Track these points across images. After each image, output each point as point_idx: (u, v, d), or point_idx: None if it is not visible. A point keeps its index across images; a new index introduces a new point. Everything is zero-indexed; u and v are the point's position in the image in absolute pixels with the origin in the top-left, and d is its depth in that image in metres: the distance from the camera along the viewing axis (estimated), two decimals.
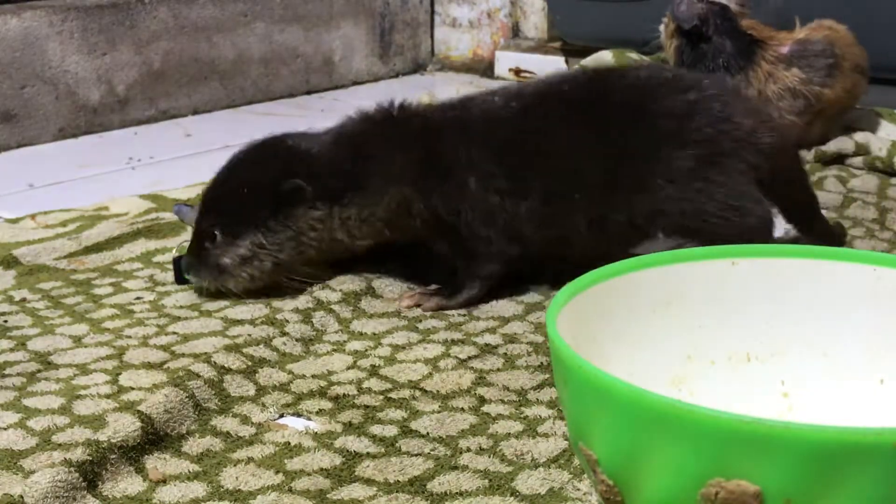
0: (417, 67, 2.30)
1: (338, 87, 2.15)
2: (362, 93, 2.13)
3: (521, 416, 0.85)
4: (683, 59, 1.55)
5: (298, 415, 0.86)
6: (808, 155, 1.48)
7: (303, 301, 1.04)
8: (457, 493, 0.75)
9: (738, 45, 1.50)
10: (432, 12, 2.31)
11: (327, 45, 2.13)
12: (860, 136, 1.52)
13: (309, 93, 2.10)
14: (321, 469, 0.78)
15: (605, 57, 1.78)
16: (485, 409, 0.86)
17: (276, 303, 1.07)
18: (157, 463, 0.79)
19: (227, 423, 0.84)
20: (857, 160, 1.48)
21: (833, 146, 1.50)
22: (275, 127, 1.87)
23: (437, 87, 2.16)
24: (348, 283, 1.07)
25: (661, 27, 1.60)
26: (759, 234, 1.03)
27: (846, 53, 1.51)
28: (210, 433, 0.83)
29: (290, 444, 0.82)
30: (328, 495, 0.75)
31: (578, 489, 0.75)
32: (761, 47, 1.50)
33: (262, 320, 1.01)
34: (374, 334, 1.00)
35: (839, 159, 1.50)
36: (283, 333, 0.98)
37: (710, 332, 0.75)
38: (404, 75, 2.27)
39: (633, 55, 1.78)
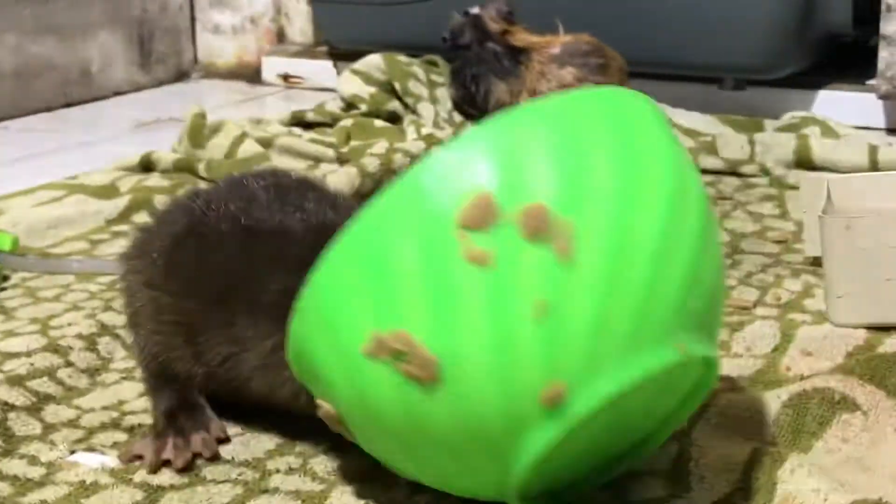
0: (181, 75, 2.24)
1: (98, 99, 2.06)
2: (125, 103, 2.06)
3: (328, 431, 0.83)
4: (453, 68, 1.67)
5: (92, 450, 0.81)
6: None
7: (85, 326, 0.98)
8: None
9: (501, 52, 1.58)
10: (193, 19, 2.25)
11: (84, 56, 2.04)
12: None
13: (68, 105, 2.01)
14: None
15: (374, 61, 1.78)
16: (289, 426, 0.84)
17: (54, 331, 1.01)
18: None
19: (13, 466, 0.79)
20: None
21: None
22: (33, 143, 1.78)
23: (203, 95, 2.11)
24: None
25: None
26: None
27: (611, 56, 1.58)
28: None
29: (85, 482, 0.77)
30: None
31: (394, 500, 0.74)
32: (527, 53, 1.56)
33: (41, 350, 0.95)
34: None
35: None
36: (68, 364, 0.92)
37: None
38: (168, 84, 2.20)
39: (403, 58, 1.79)
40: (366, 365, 0.62)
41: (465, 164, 0.61)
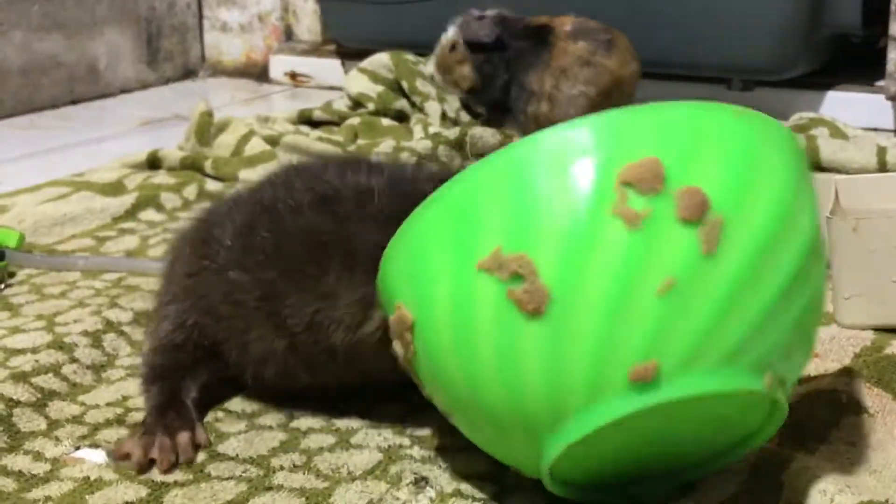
0: (188, 73, 2.24)
1: (105, 96, 2.06)
2: (132, 100, 2.06)
3: (333, 428, 0.83)
4: (483, 73, 1.58)
5: (96, 446, 0.81)
6: None
7: (91, 323, 0.98)
8: None
9: (534, 39, 1.56)
10: (200, 16, 2.25)
11: (91, 53, 2.04)
12: None
13: (74, 102, 2.01)
14: (126, 502, 0.74)
15: (382, 59, 1.78)
16: (293, 424, 0.84)
17: (59, 328, 1.01)
18: None
19: (18, 462, 0.79)
20: None
21: None
22: (40, 141, 1.78)
23: (210, 93, 2.11)
24: (139, 301, 1.03)
25: (432, 62, 1.62)
26: None
27: (618, 34, 1.58)
28: (0, 473, 0.77)
29: (89, 478, 0.77)
30: None
31: (398, 498, 0.74)
32: (550, 31, 1.56)
33: (45, 346, 0.95)
34: None
35: None
36: (73, 360, 0.92)
37: None
38: (175, 82, 2.20)
39: (411, 57, 1.79)
40: (477, 277, 0.61)
41: (649, 129, 0.62)
